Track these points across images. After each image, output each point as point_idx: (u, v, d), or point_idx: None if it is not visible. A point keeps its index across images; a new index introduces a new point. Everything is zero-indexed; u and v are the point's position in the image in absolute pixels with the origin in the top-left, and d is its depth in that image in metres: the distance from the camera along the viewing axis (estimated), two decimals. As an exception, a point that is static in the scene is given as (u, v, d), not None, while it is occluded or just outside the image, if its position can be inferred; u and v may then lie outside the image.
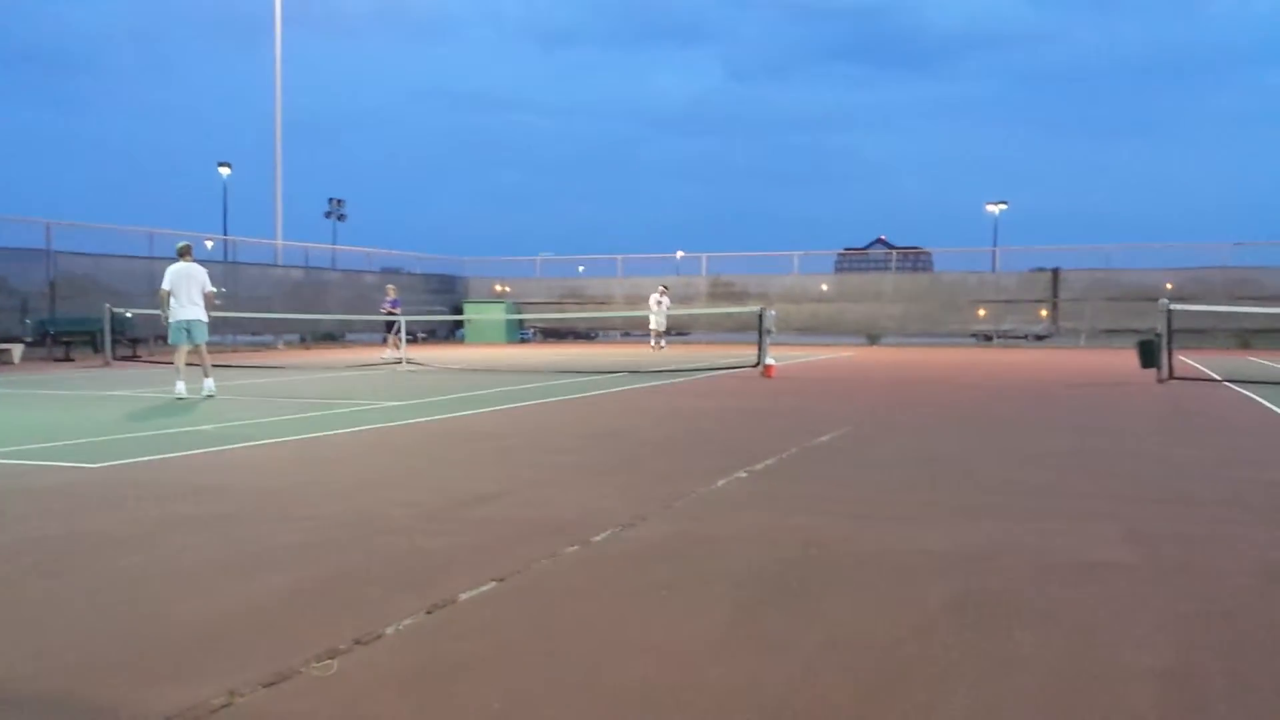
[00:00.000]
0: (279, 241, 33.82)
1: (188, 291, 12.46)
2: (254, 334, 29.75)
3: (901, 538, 4.86)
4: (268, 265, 32.34)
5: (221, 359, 19.91)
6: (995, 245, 42.64)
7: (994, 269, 35.21)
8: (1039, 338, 33.52)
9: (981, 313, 34.03)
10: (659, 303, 29.17)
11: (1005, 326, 33.64)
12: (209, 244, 31.36)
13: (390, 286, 26.30)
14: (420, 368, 19.47)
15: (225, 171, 46.88)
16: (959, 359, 24.10)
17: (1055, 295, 33.11)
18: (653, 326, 29.24)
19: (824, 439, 8.52)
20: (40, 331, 22.87)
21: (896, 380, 16.67)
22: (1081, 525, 5.18)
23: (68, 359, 22.23)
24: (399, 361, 20.84)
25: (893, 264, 38.46)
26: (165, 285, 12.46)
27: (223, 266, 29.44)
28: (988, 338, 33.90)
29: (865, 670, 3.07)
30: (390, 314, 24.52)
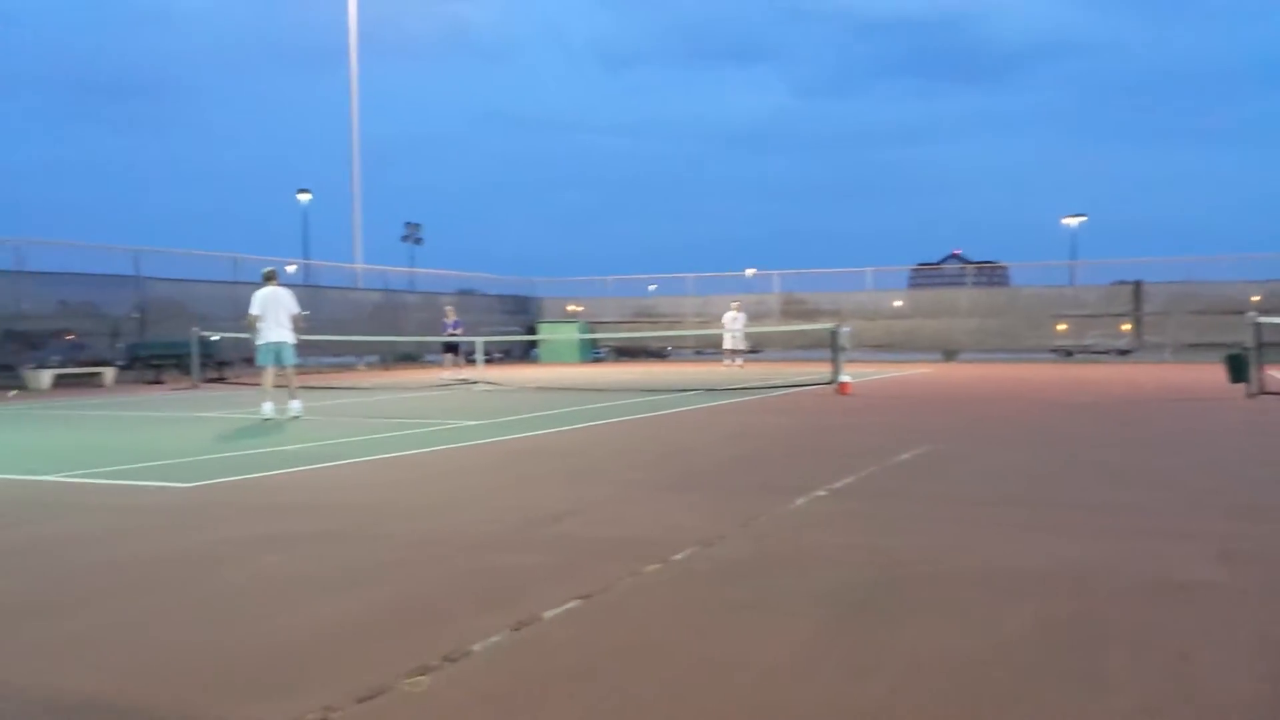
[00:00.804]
0: (359, 265, 34.55)
1: (275, 315, 12.79)
2: (335, 355, 30.37)
3: (987, 556, 4.80)
4: (348, 289, 33.04)
5: (305, 380, 20.33)
6: (1074, 259, 41.77)
7: (1073, 283, 34.48)
8: (1121, 352, 32.68)
9: (1061, 327, 33.31)
10: (734, 319, 29.08)
11: (1086, 341, 32.87)
12: (291, 268, 32.16)
13: (449, 308, 26.21)
14: (496, 387, 19.71)
15: (305, 197, 48.04)
16: (1039, 375, 23.63)
17: (1138, 309, 32.28)
18: (727, 345, 29.14)
19: (904, 457, 8.44)
20: (131, 355, 23.66)
21: (976, 397, 16.41)
22: (1172, 544, 5.06)
23: (158, 382, 22.95)
24: (462, 382, 21.12)
25: (968, 279, 37.86)
26: (254, 310, 12.80)
27: (305, 290, 30.11)
28: (1068, 353, 33.15)
29: (952, 692, 3.03)
30: (452, 335, 24.59)
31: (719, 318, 31.70)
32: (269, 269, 13.37)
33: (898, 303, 36.04)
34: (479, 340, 24.44)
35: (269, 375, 12.88)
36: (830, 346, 18.66)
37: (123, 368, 23.19)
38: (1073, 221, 55.86)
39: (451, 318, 25.43)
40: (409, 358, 33.92)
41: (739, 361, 28.90)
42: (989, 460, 8.50)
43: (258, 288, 13.14)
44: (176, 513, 6.23)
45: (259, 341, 12.89)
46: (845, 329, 19.43)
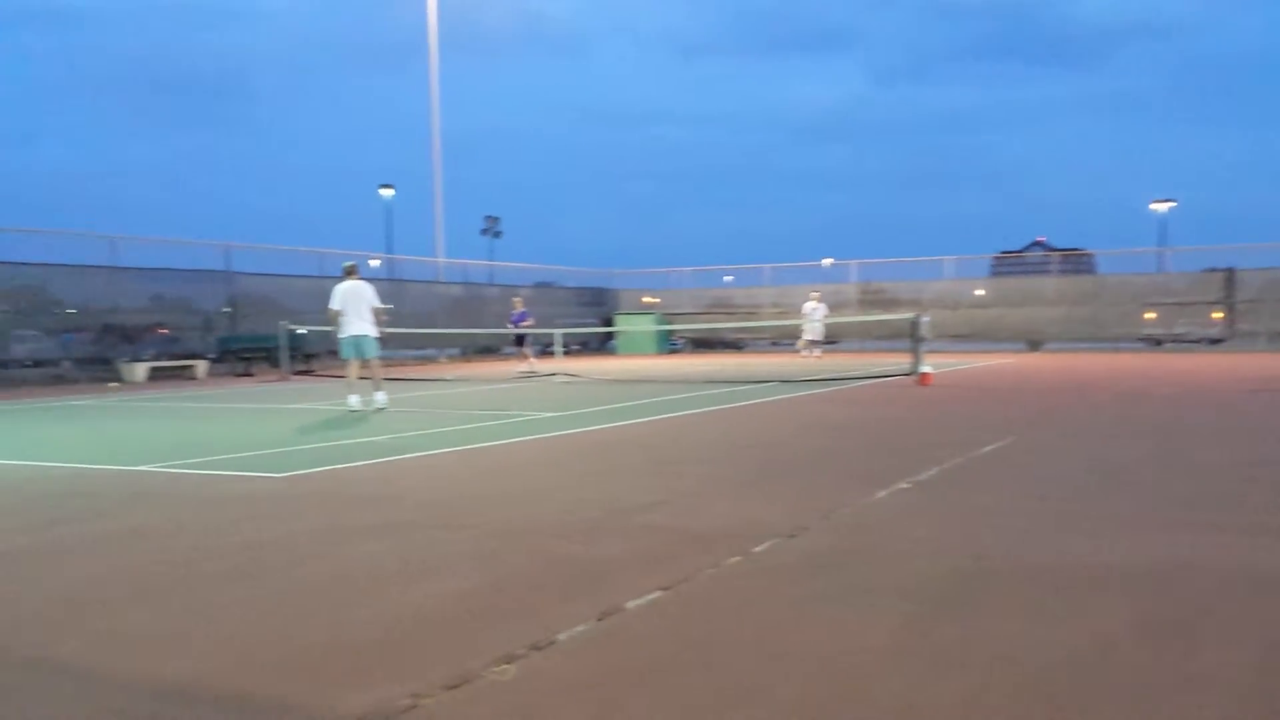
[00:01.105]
0: (440, 259, 35.07)
1: (356, 309, 13.02)
2: (417, 348, 30.91)
3: (1076, 551, 4.70)
4: (430, 282, 33.57)
5: (389, 372, 20.74)
6: (1163, 245, 40.53)
7: (1162, 270, 33.48)
8: (1213, 341, 31.63)
9: (1150, 316, 32.36)
10: (814, 309, 28.81)
11: (1176, 330, 31.87)
12: (374, 263, 32.78)
13: (517, 299, 25.84)
14: (574, 379, 19.86)
15: (388, 193, 48.88)
16: (1127, 364, 23.01)
17: (1230, 296, 31.19)
18: (806, 335, 28.88)
19: (988, 449, 8.30)
20: (222, 348, 24.38)
21: (1061, 387, 16.05)
22: (1270, 539, 4.90)
23: (248, 374, 23.61)
24: (530, 374, 21.27)
25: (1053, 266, 36.95)
26: (335, 304, 13.06)
27: (388, 284, 30.73)
28: (1157, 342, 32.19)
29: (1042, 688, 2.99)
30: (519, 328, 24.38)
31: (796, 308, 31.44)
32: (350, 263, 13.60)
33: (979, 291, 35.37)
34: (557, 332, 24.67)
35: (353, 368, 13.14)
36: (910, 337, 18.42)
37: (214, 360, 23.91)
38: (1161, 207, 54.22)
39: (519, 308, 25.19)
40: (489, 350, 34.36)
41: (816, 352, 28.63)
42: (1075, 452, 8.32)
43: (340, 281, 13.39)
44: (267, 502, 6.42)
45: (340, 335, 13.15)
46: (926, 319, 19.15)
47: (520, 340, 24.20)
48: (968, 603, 3.88)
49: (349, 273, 13.33)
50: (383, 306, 13.41)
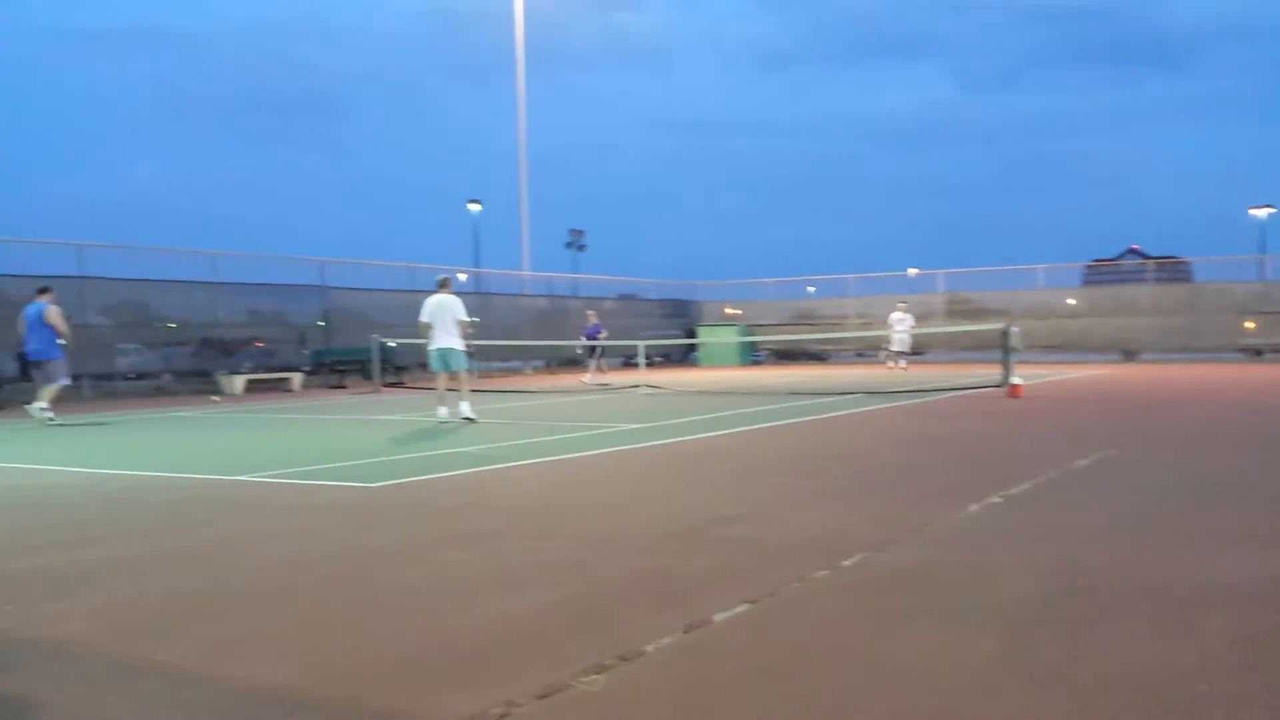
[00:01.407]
0: (526, 273, 35.51)
1: (443, 322, 13.22)
2: (503, 360, 31.33)
3: (1178, 568, 4.56)
4: (516, 295, 34.01)
5: (476, 384, 21.06)
6: (1263, 252, 39.06)
7: (1262, 278, 32.23)
8: (1317, 352, 30.34)
9: (1250, 325, 31.16)
10: (900, 320, 28.42)
11: (1277, 340, 30.67)
12: (462, 276, 33.34)
13: (590, 313, 25.88)
14: (657, 390, 19.90)
15: (475, 208, 49.72)
16: (1226, 375, 22.21)
17: (1336, 304, 29.90)
18: (893, 346, 28.49)
19: (1083, 462, 8.09)
20: (316, 361, 25.01)
21: (1158, 399, 15.57)
22: (1390, 560, 4.69)
23: (341, 386, 24.18)
24: (603, 386, 21.34)
25: (1148, 275, 35.87)
26: (424, 317, 13.31)
27: (475, 298, 31.23)
28: (1257, 352, 30.98)
29: (1147, 709, 2.91)
30: (592, 341, 24.51)
31: (881, 319, 31.06)
32: (442, 276, 13.83)
33: (1071, 301, 34.49)
34: (640, 344, 24.74)
35: (442, 380, 13.36)
36: (1000, 347, 18.06)
37: (309, 373, 24.53)
38: (1261, 213, 52.37)
39: (592, 321, 25.33)
40: (573, 362, 34.63)
41: (902, 364, 28.21)
42: (1174, 466, 8.06)
43: (431, 295, 13.62)
44: (361, 511, 6.57)
45: (429, 348, 13.37)
46: (1016, 329, 18.75)
47: (593, 352, 24.31)
48: (1067, 620, 3.79)
49: (440, 286, 13.54)
50: (468, 320, 13.56)
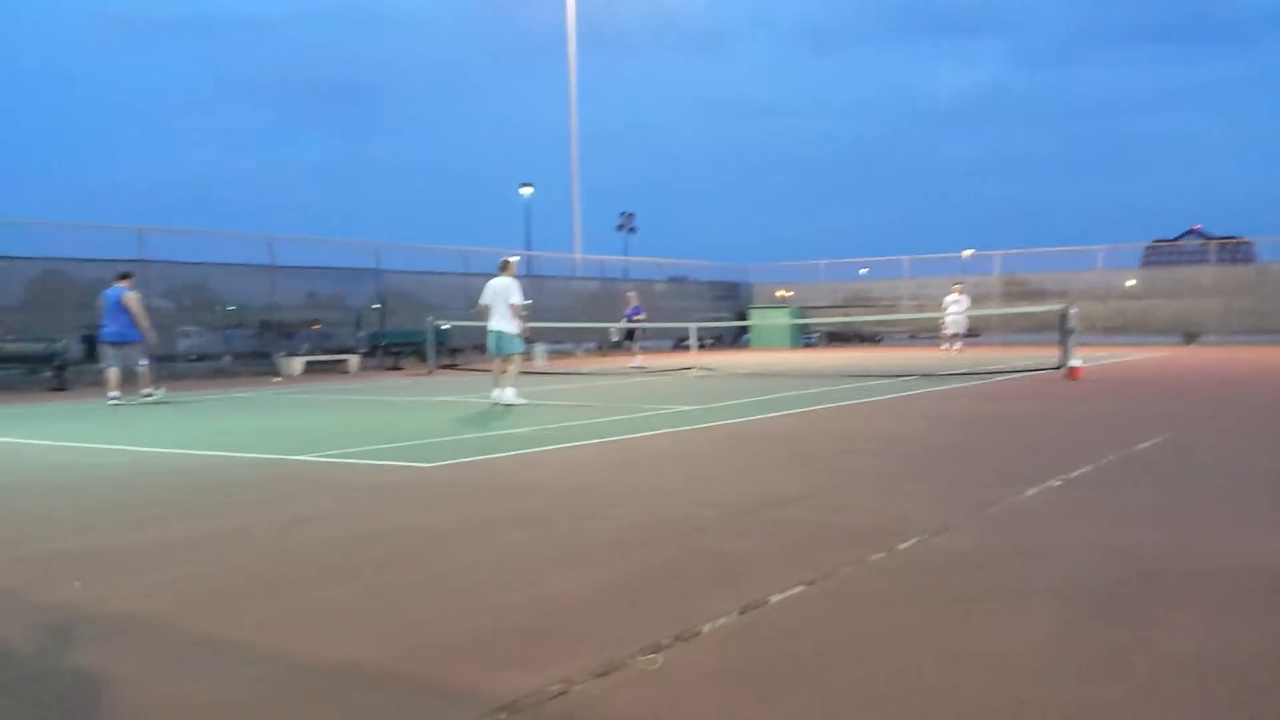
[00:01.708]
0: (577, 255, 35.60)
1: (497, 305, 13.17)
2: (556, 342, 31.46)
3: (1240, 553, 4.48)
4: (568, 278, 34.13)
5: (530, 366, 21.19)
6: (1335, 231, 37.84)
7: (1329, 257, 31.31)
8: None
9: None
10: (955, 302, 28.08)
11: (1347, 322, 29.80)
12: (514, 259, 33.45)
13: (631, 294, 25.30)
14: (709, 373, 19.88)
15: (527, 191, 49.89)
16: (1298, 358, 21.65)
17: None
18: (949, 329, 28.17)
19: (1144, 445, 7.95)
20: (372, 343, 25.32)
21: (1221, 382, 15.23)
22: None
23: (396, 368, 24.47)
24: (639, 369, 21.25)
25: (1210, 255, 35.01)
26: (482, 300, 13.30)
27: (528, 281, 31.39)
28: (1326, 335, 30.17)
29: (1209, 695, 2.86)
30: (632, 322, 24.11)
31: (935, 301, 30.70)
32: (503, 259, 13.71)
33: (1131, 282, 33.82)
34: (691, 326, 24.69)
35: (497, 362, 13.39)
36: (1058, 329, 17.77)
37: (365, 355, 24.84)
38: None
39: (634, 303, 24.73)
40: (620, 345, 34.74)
41: (957, 346, 27.88)
42: (1237, 450, 7.90)
43: (491, 277, 13.49)
44: (418, 491, 6.65)
45: (487, 330, 13.39)
46: (1074, 310, 18.44)
47: (631, 335, 24.01)
48: (1129, 606, 3.74)
49: (502, 269, 13.46)
50: (521, 304, 13.42)
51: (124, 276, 15.41)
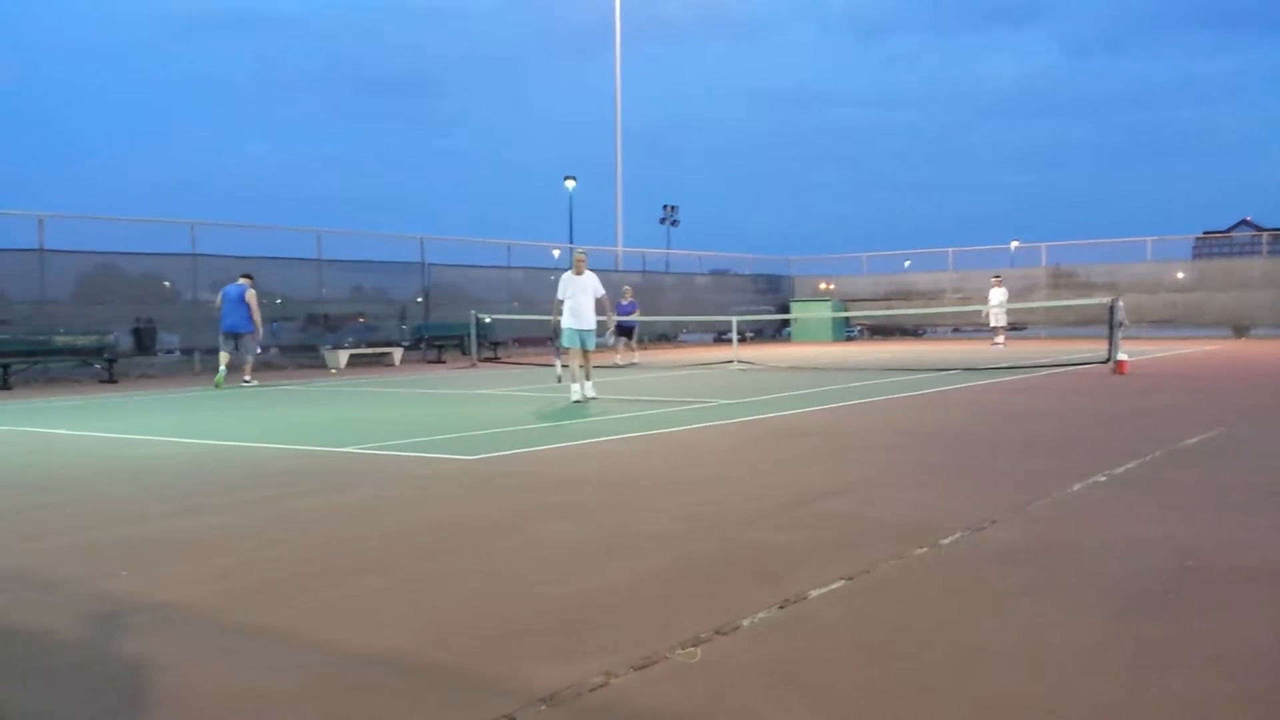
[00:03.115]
0: (619, 248, 35.63)
1: (581, 299, 12.87)
2: (598, 335, 31.54)
3: (1296, 552, 4.39)
4: (609, 270, 34.14)
5: (569, 359, 21.15)
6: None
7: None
8: None
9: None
10: (996, 294, 27.81)
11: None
12: (555, 253, 33.62)
13: (627, 288, 24.27)
14: (750, 366, 19.81)
15: (571, 184, 49.96)
16: (1355, 352, 21.15)
17: None
18: (993, 322, 27.86)
19: (1192, 441, 7.81)
20: (417, 336, 25.52)
21: (1271, 376, 14.92)
22: None
23: (440, 361, 24.65)
24: (630, 365, 20.91)
25: (1262, 247, 34.27)
26: (561, 294, 13.00)
27: (570, 274, 31.47)
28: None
29: (1258, 691, 2.81)
30: (626, 318, 22.75)
31: (981, 293, 30.38)
32: (580, 253, 13.52)
33: (1180, 274, 33.22)
34: (733, 319, 24.62)
35: (577, 357, 12.88)
36: (1106, 322, 17.50)
37: (408, 348, 25.05)
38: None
39: (628, 299, 23.70)
40: (664, 337, 34.72)
41: (1000, 339, 27.59)
42: (1296, 446, 7.73)
43: (563, 273, 13.24)
44: (463, 483, 6.70)
45: (566, 326, 12.94)
46: (1122, 303, 18.15)
47: (627, 332, 22.92)
48: (1178, 602, 3.68)
49: (577, 264, 13.13)
50: (559, 300, 13.05)
51: (246, 276, 17.53)
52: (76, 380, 19.04)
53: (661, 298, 34.65)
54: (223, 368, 16.84)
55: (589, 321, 12.94)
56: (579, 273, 12.99)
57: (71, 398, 15.35)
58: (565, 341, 13.12)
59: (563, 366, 14.95)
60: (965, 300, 33.46)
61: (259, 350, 17.51)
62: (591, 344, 13.03)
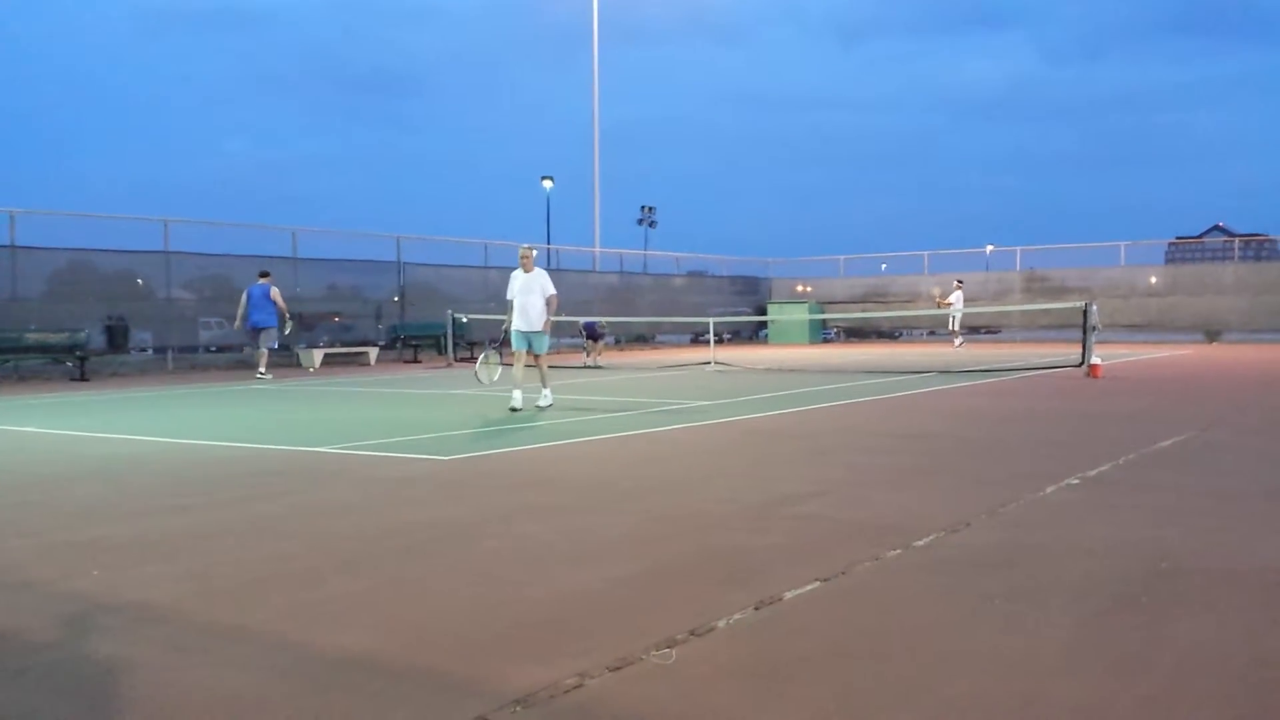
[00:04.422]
0: (596, 249, 35.58)
1: (529, 299, 11.94)
2: (573, 336, 31.49)
3: (1261, 552, 4.44)
4: (587, 271, 34.11)
5: (549, 359, 21.09)
6: (1362, 228, 37.56)
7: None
8: None
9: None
10: (959, 298, 28.33)
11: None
12: (533, 252, 33.48)
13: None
14: (727, 368, 19.85)
15: (548, 184, 49.86)
16: (1323, 357, 21.42)
17: None
18: (956, 325, 28.42)
19: (1165, 444, 7.89)
20: (392, 336, 25.40)
21: (1244, 381, 15.09)
22: None
23: (416, 360, 24.54)
24: (594, 366, 20.96)
25: (1234, 253, 34.64)
26: (510, 294, 12.12)
27: (548, 273, 31.44)
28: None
29: (1229, 694, 2.84)
30: (590, 332, 23.08)
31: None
32: (528, 249, 12.41)
33: (1154, 279, 33.56)
34: (710, 321, 24.65)
35: (522, 360, 12.06)
36: (1080, 326, 17.66)
37: (384, 347, 24.92)
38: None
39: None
40: (641, 338, 34.71)
41: (959, 341, 28.23)
42: (1261, 450, 7.82)
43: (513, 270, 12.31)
44: (437, 484, 6.67)
45: (512, 327, 12.09)
46: (1095, 307, 18.31)
47: (594, 335, 22.97)
48: (1149, 605, 3.71)
49: (525, 260, 12.18)
50: (556, 296, 12.17)
51: (264, 274, 19.26)
52: (48, 378, 18.84)
53: (639, 299, 34.65)
54: (261, 368, 18.46)
55: (537, 323, 11.89)
56: (527, 270, 11.98)
57: (43, 396, 15.19)
58: (513, 344, 12.08)
59: (480, 364, 14.11)
60: (943, 303, 33.69)
61: (274, 346, 18.95)
62: (542, 346, 12.08)
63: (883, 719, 2.74)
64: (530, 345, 12.02)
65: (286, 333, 19.46)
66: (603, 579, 4.18)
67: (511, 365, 12.25)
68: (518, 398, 11.55)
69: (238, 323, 19.12)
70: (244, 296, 19.00)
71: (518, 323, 11.94)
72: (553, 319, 12.20)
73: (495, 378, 14.34)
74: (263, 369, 18.50)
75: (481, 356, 14.68)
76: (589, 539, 4.95)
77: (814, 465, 7.29)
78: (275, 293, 18.96)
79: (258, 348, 18.81)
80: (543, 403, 11.81)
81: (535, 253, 12.48)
